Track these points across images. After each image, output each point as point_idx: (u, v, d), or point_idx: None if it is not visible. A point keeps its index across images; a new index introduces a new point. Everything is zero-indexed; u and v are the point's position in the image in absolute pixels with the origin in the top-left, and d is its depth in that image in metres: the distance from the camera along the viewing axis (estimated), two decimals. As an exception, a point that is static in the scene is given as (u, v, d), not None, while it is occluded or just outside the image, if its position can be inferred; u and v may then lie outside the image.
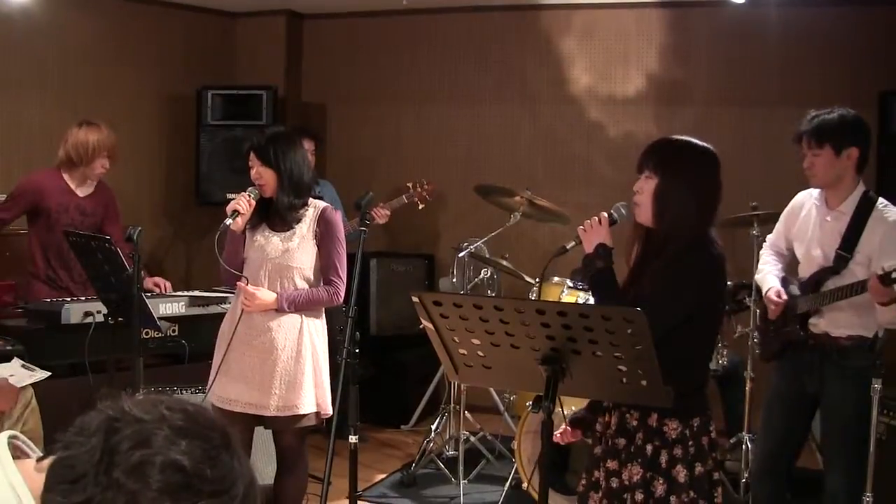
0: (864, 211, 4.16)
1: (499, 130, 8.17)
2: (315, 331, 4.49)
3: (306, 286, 4.44)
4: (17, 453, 1.58)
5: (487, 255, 6.58)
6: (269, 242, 4.43)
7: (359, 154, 8.50)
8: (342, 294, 4.51)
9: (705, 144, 3.29)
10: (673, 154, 3.26)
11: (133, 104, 7.55)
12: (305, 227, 4.44)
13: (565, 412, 5.08)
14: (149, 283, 5.57)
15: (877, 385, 3.69)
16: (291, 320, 4.41)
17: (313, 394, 4.41)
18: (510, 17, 8.10)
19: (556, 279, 5.93)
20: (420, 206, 6.84)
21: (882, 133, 6.78)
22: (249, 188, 4.40)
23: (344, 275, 4.51)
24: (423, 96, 8.41)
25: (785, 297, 4.36)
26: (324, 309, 4.60)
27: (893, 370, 4.10)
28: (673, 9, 7.61)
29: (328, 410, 4.45)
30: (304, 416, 4.40)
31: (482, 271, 6.76)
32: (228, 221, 4.35)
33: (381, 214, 6.61)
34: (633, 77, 7.70)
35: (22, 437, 1.63)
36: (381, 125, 8.53)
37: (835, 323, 4.20)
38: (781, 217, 4.59)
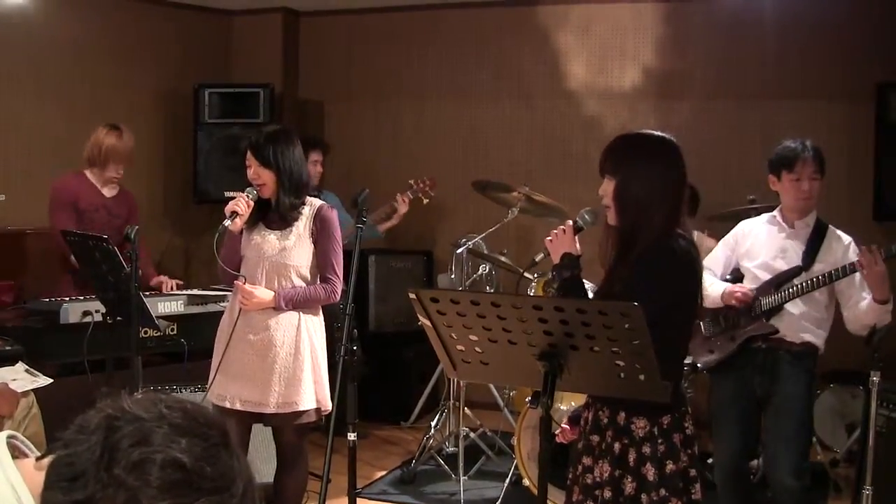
0: (821, 226, 4.46)
1: (496, 126, 8.18)
2: (313, 328, 4.49)
3: (303, 284, 4.44)
4: (16, 453, 1.58)
5: (486, 251, 6.58)
6: (266, 241, 4.43)
7: (357, 151, 8.50)
8: (339, 292, 4.51)
9: (661, 135, 3.25)
10: (626, 151, 3.24)
11: (130, 102, 7.54)
12: (302, 226, 4.44)
13: (564, 407, 5.11)
14: (154, 281, 5.61)
15: (875, 378, 3.70)
16: (289, 318, 4.41)
17: (312, 390, 4.41)
18: (507, 13, 8.10)
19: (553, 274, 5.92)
20: (425, 201, 6.83)
21: (879, 124, 6.79)
22: (248, 189, 4.39)
23: (341, 272, 4.50)
24: (421, 93, 8.41)
25: (746, 288, 4.46)
26: (321, 306, 4.60)
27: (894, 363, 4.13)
28: (669, 2, 7.62)
29: (328, 406, 4.45)
30: (304, 412, 4.40)
31: (480, 267, 6.77)
32: (227, 223, 4.35)
33: (402, 205, 6.70)
34: (630, 71, 7.71)
35: (20, 436, 1.64)
36: (379, 122, 8.54)
37: (791, 328, 4.37)
38: (725, 242, 4.73)
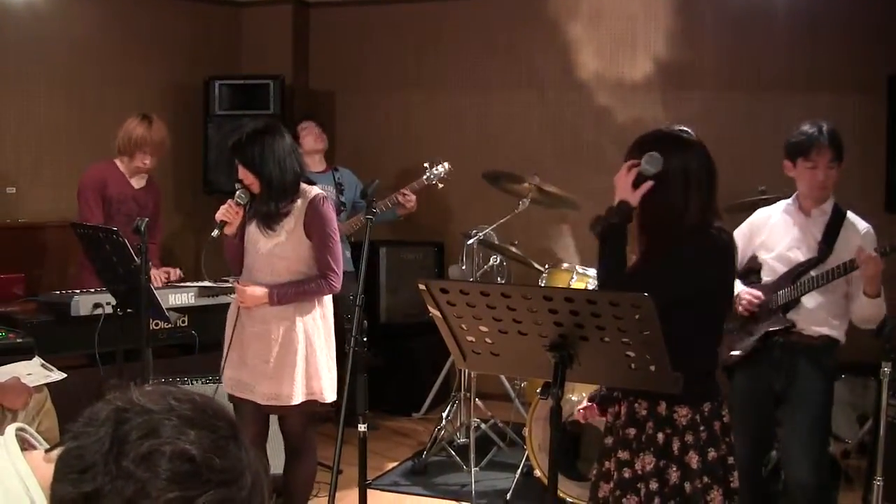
0: (839, 213, 4.34)
1: (507, 117, 8.16)
2: (310, 321, 4.46)
3: (299, 277, 4.42)
4: (25, 445, 1.59)
5: (497, 242, 6.57)
6: (260, 236, 4.43)
7: (367, 142, 8.49)
8: (337, 283, 4.47)
9: (686, 132, 3.26)
10: (651, 144, 3.22)
11: (140, 96, 7.54)
12: (293, 221, 4.39)
13: (575, 398, 5.11)
14: (159, 273, 5.61)
15: (886, 369, 3.69)
16: (283, 312, 4.39)
17: (303, 383, 4.40)
18: (518, 3, 8.08)
19: (565, 265, 5.91)
20: (440, 186, 6.74)
21: (891, 116, 6.76)
22: (237, 192, 4.37)
23: (338, 263, 4.46)
24: (431, 83, 8.39)
25: (758, 292, 4.39)
26: (329, 297, 4.59)
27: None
28: (680, -7, 7.59)
29: (325, 398, 4.47)
30: (303, 403, 4.41)
31: (491, 258, 6.75)
32: (215, 233, 4.37)
33: (407, 200, 6.50)
34: (641, 62, 7.68)
35: (30, 429, 1.64)
36: (389, 113, 8.52)
37: (809, 321, 4.30)
38: (740, 232, 4.58)
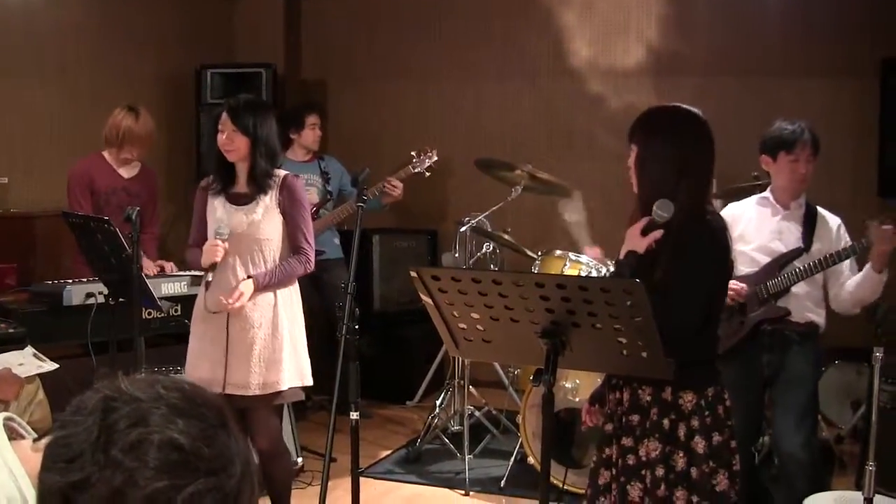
0: (811, 208, 4.53)
1: (500, 105, 8.16)
2: (288, 301, 4.45)
3: (275, 258, 4.39)
4: (13, 435, 1.58)
5: (489, 230, 6.57)
6: (232, 217, 4.36)
7: (360, 131, 8.47)
8: (313, 260, 4.47)
9: (690, 109, 3.26)
10: (648, 121, 3.25)
11: (132, 84, 7.51)
12: (269, 198, 4.37)
13: (568, 385, 5.12)
14: (153, 266, 5.60)
15: (878, 354, 3.69)
16: (266, 298, 4.37)
17: (293, 367, 4.39)
18: (510, -9, 8.07)
19: (558, 252, 5.91)
20: (427, 175, 6.76)
21: (884, 100, 6.76)
22: (217, 231, 4.30)
23: (312, 240, 4.46)
24: (424, 72, 8.38)
25: (742, 283, 4.42)
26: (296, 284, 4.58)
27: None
28: (672, -21, 7.58)
29: (309, 380, 4.47)
30: (284, 392, 4.39)
31: (484, 246, 6.75)
32: (210, 277, 4.29)
33: (393, 187, 6.46)
34: (634, 49, 7.67)
35: (17, 418, 1.64)
36: (382, 101, 8.51)
37: (796, 308, 4.43)
38: None
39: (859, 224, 4.38)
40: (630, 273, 3.08)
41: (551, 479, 2.97)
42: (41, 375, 4.44)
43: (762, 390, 4.52)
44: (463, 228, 6.32)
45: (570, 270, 5.65)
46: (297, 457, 5.64)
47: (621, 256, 3.17)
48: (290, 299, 4.48)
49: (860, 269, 4.38)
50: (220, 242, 4.27)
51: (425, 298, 2.85)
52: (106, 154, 5.75)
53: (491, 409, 6.53)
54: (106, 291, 4.86)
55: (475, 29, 8.17)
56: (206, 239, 4.44)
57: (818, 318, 4.47)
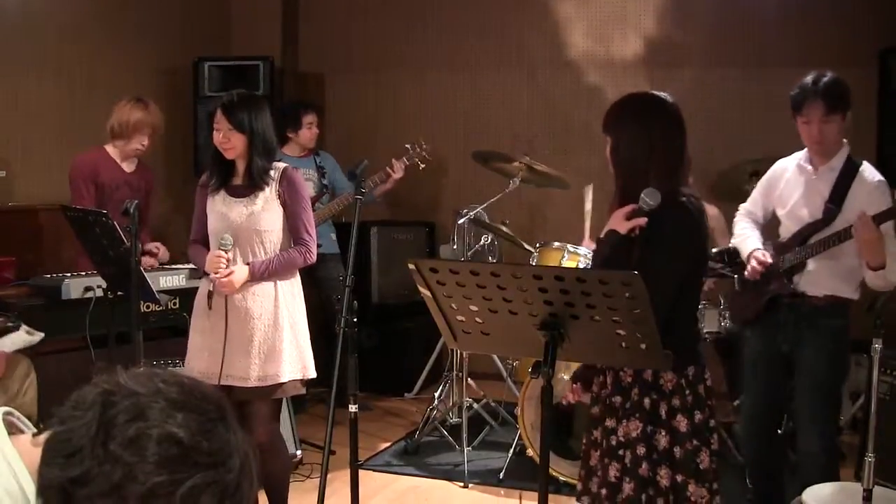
0: (850, 168, 4.17)
1: (497, 96, 8.15)
2: (290, 294, 4.43)
3: (275, 250, 4.37)
4: (13, 429, 1.58)
5: (487, 221, 6.57)
6: (233, 209, 4.34)
7: (357, 123, 8.47)
8: (314, 252, 4.45)
9: (657, 95, 3.27)
10: (617, 110, 3.28)
11: (129, 77, 7.49)
12: (269, 190, 4.35)
13: (566, 377, 5.11)
14: (149, 246, 5.59)
15: (877, 345, 3.68)
16: (265, 288, 4.34)
17: (294, 360, 4.36)
18: (507, -18, 8.06)
19: (556, 244, 5.90)
20: (421, 167, 6.79)
21: (882, 90, 6.75)
22: (221, 241, 4.27)
23: (313, 232, 4.44)
24: (422, 64, 8.37)
25: (769, 257, 4.32)
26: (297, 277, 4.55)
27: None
28: (670, -30, 7.57)
29: (312, 373, 4.44)
30: (285, 384, 4.35)
31: (482, 238, 6.75)
32: (213, 287, 4.29)
33: (395, 169, 6.63)
34: (631, 40, 7.67)
35: (17, 413, 1.64)
36: (379, 94, 8.51)
37: (813, 283, 4.23)
38: (760, 184, 4.57)
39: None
40: (610, 249, 3.15)
41: (550, 470, 2.96)
42: (39, 369, 4.45)
43: (784, 365, 4.36)
44: (461, 220, 6.32)
45: (568, 262, 5.65)
46: (297, 449, 5.64)
47: (602, 235, 3.22)
48: (292, 292, 4.46)
49: None
50: (223, 253, 4.26)
51: (423, 291, 2.85)
52: (109, 148, 5.70)
53: (489, 401, 6.54)
54: (104, 285, 4.85)
55: (473, 21, 8.16)
56: (207, 235, 4.44)
57: (842, 291, 4.20)
